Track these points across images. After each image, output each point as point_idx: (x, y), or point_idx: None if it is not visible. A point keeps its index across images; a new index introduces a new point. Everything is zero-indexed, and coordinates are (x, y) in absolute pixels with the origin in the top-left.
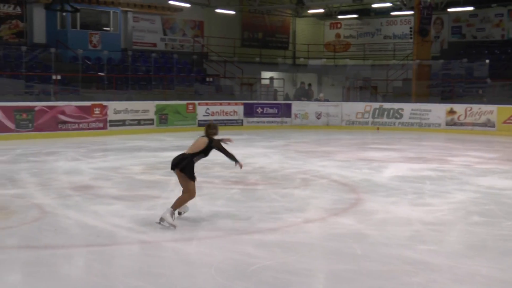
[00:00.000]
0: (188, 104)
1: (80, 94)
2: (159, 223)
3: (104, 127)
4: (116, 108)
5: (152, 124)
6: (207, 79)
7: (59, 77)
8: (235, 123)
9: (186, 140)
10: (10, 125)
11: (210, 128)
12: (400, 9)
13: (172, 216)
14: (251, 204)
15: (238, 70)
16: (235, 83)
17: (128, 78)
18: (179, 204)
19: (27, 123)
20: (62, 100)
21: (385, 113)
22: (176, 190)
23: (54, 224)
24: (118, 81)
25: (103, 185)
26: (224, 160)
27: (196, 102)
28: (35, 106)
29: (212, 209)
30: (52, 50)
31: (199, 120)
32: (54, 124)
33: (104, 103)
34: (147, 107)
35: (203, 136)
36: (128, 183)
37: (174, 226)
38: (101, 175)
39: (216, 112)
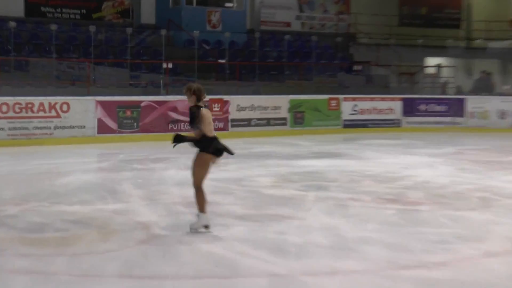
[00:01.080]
0: (330, 99)
1: None
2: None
3: (224, 128)
4: (239, 104)
5: (285, 124)
6: (355, 68)
7: (170, 65)
8: (391, 124)
9: (328, 145)
10: (112, 124)
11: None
12: None
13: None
14: (412, 229)
15: (395, 55)
16: (391, 73)
17: (255, 66)
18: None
19: (132, 122)
20: (173, 93)
21: None
22: (314, 208)
23: (163, 248)
24: (242, 70)
25: (223, 201)
26: (376, 172)
27: (341, 96)
28: (142, 101)
29: (360, 234)
30: (163, 32)
31: (344, 120)
32: (164, 124)
33: (225, 97)
34: (279, 103)
35: (203, 108)
36: (254, 199)
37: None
38: (220, 188)
39: (366, 109)
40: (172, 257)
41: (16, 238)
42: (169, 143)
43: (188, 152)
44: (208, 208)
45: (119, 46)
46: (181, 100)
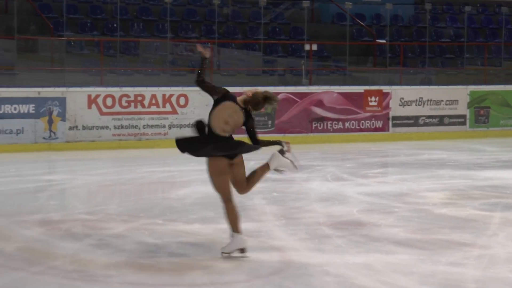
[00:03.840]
0: None
1: (346, 74)
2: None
3: (383, 128)
4: (403, 97)
5: (464, 124)
6: None
7: (315, 47)
8: None
9: None
10: None
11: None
12: None
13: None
14: None
15: None
16: None
17: (425, 48)
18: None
19: (265, 120)
20: (318, 83)
21: None
22: (500, 233)
23: (302, 280)
24: (408, 52)
25: (381, 222)
26: None
27: None
28: (278, 94)
29: None
30: (305, 4)
31: None
32: (305, 122)
33: (385, 88)
34: (455, 96)
35: (231, 102)
36: (421, 220)
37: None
38: (377, 205)
39: None
40: None
41: (123, 262)
42: (313, 146)
43: (336, 159)
44: (362, 230)
45: (249, 22)
46: (328, 92)
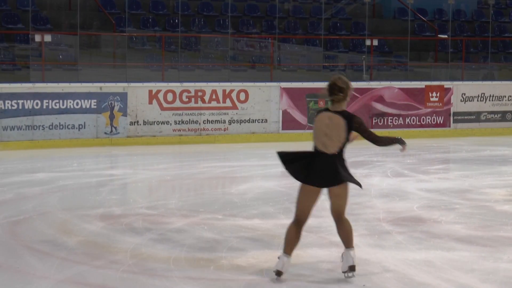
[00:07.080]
0: None
1: (407, 70)
2: (348, 276)
3: (444, 124)
4: (465, 92)
5: None
6: None
7: (375, 42)
8: None
9: None
10: (301, 118)
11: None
12: None
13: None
14: None
15: None
16: None
17: (487, 42)
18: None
19: None
20: (379, 79)
21: None
22: None
23: (362, 276)
24: (470, 47)
25: (442, 218)
26: None
27: None
28: None
29: None
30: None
31: None
32: (366, 118)
33: (446, 84)
34: None
35: (329, 112)
36: (483, 217)
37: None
38: (438, 201)
39: None
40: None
41: (183, 257)
42: (367, 143)
43: (397, 155)
44: (422, 226)
45: (310, 17)
46: (389, 88)
